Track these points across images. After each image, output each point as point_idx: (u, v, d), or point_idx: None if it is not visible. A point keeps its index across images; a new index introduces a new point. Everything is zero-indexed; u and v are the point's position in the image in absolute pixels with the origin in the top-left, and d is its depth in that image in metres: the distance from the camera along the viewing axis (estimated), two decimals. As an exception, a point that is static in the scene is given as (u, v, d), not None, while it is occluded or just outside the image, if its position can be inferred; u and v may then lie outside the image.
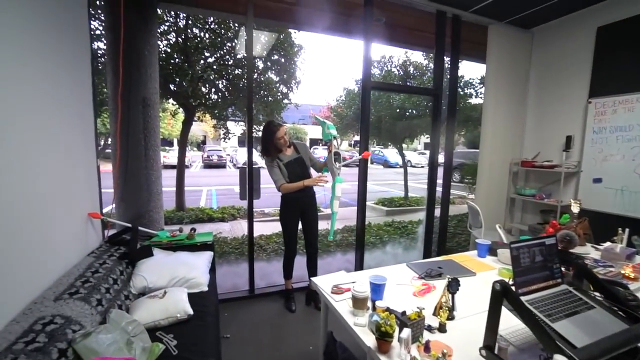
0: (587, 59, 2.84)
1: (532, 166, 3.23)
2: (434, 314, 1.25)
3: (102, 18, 3.93)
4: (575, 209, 2.14)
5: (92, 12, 2.06)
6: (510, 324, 1.13)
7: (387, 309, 1.18)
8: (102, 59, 4.23)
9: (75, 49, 1.79)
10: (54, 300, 1.32)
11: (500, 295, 0.93)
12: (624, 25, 2.59)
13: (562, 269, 1.20)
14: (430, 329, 1.15)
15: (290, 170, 2.37)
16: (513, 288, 1.02)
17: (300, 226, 2.55)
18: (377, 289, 1.30)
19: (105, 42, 2.98)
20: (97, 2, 3.41)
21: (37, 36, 1.42)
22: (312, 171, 2.54)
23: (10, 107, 1.23)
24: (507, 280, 1.42)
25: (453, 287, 1.25)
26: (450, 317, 1.23)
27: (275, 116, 6.02)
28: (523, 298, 1.01)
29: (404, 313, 1.14)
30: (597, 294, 1.16)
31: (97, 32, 4.16)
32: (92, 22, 2.07)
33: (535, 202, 3.24)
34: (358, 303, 1.23)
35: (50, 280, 1.46)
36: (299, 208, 2.47)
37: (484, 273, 1.70)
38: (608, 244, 1.92)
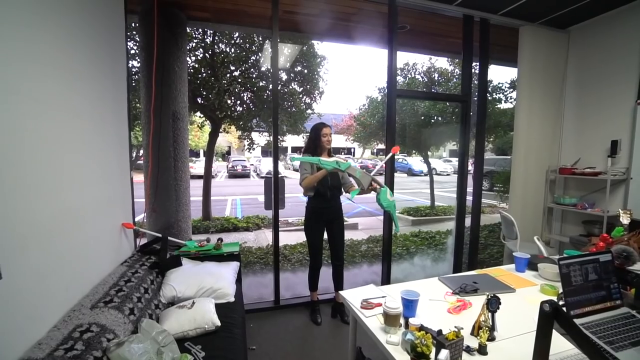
0: (635, 57, 2.63)
1: (571, 173, 3.02)
2: (472, 334, 1.17)
3: (137, 39, 4.19)
4: (625, 220, 1.95)
5: (128, 33, 2.18)
6: (561, 347, 1.03)
7: (421, 327, 1.12)
8: (136, 76, 4.49)
9: (113, 68, 1.90)
10: (91, 309, 1.37)
11: (551, 318, 0.84)
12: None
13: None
14: (469, 350, 1.07)
15: (324, 180, 2.34)
16: (563, 309, 0.92)
17: (325, 236, 2.51)
18: (409, 305, 1.23)
19: (139, 60, 3.16)
20: (133, 24, 3.63)
21: (80, 58, 1.52)
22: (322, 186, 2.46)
23: (53, 124, 1.31)
24: (554, 299, 1.31)
25: (493, 304, 1.16)
26: (491, 338, 1.14)
27: (298, 126, 6.08)
28: (577, 321, 0.91)
29: (439, 332, 1.07)
30: (662, 317, 1.03)
31: (132, 51, 4.44)
32: (127, 42, 2.20)
33: (576, 212, 3.01)
34: (390, 320, 1.17)
35: (87, 288, 1.52)
36: (324, 219, 2.44)
37: (524, 289, 1.58)
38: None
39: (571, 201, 3.04)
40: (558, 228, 3.35)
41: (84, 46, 1.55)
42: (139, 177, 2.84)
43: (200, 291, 1.88)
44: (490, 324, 1.16)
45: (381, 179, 2.02)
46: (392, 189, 2.81)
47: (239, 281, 2.26)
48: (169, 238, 2.19)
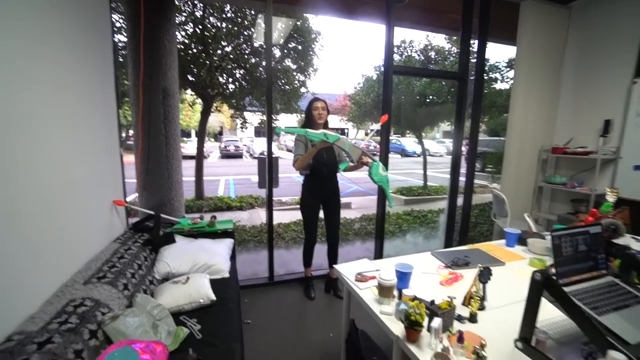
0: (634, 35, 2.59)
1: (563, 153, 3.05)
2: (463, 304, 1.20)
3: (122, 10, 3.98)
4: (610, 198, 2.00)
5: (112, 5, 2.06)
6: (547, 315, 1.07)
7: (415, 298, 1.14)
8: (123, 52, 4.29)
9: (98, 41, 1.80)
10: (84, 284, 1.36)
11: (541, 286, 0.87)
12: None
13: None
14: (460, 319, 1.11)
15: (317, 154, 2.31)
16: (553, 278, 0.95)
17: (320, 214, 2.51)
18: (403, 277, 1.26)
19: (125, 33, 3.01)
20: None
21: (63, 32, 1.43)
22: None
23: (40, 100, 1.25)
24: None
25: (484, 276, 1.19)
26: (481, 307, 1.18)
27: (292, 105, 5.97)
28: (566, 289, 0.94)
29: (432, 302, 1.10)
30: (645, 286, 1.07)
31: (117, 24, 4.22)
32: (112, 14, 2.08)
33: (565, 190, 3.06)
34: (384, 291, 1.20)
35: (79, 264, 1.51)
36: (320, 197, 2.43)
37: (513, 263, 1.63)
38: (652, 234, 1.78)
39: (561, 180, 3.09)
40: (547, 207, 3.42)
41: (68, 17, 1.45)
42: (130, 158, 2.77)
43: (195, 267, 1.89)
44: (482, 294, 1.19)
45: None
46: (386, 169, 2.81)
47: (233, 258, 2.27)
48: (162, 215, 2.18)
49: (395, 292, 1.24)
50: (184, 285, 1.65)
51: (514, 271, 1.52)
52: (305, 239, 2.53)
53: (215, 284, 1.80)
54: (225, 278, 1.95)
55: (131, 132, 5.92)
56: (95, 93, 1.75)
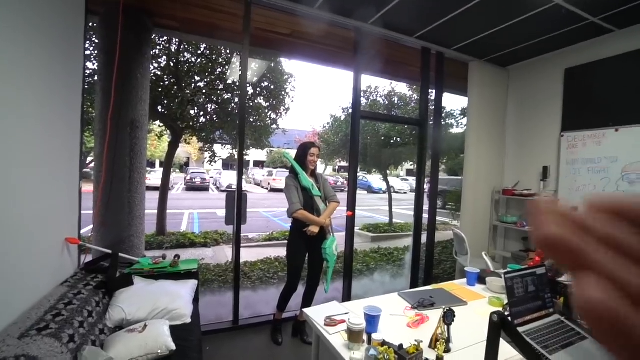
0: (558, 96, 3.07)
1: (512, 194, 3.36)
2: (430, 347, 1.23)
3: (94, 40, 3.94)
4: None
5: (86, 34, 2.06)
6: (508, 354, 1.12)
7: (384, 342, 1.15)
8: (90, 79, 4.19)
9: (68, 69, 1.78)
10: (19, 338, 1.19)
11: (498, 328, 0.93)
12: (588, 68, 2.84)
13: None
14: (427, 363, 1.12)
15: (304, 197, 2.32)
16: (509, 319, 1.02)
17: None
18: (372, 321, 1.27)
19: (95, 63, 2.96)
20: (92, 24, 3.42)
21: (32, 54, 1.41)
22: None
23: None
24: (501, 310, 1.43)
25: (449, 317, 1.23)
26: (447, 350, 1.21)
27: (263, 141, 6.05)
28: (519, 329, 1.01)
29: (401, 346, 1.11)
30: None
31: (87, 52, 4.15)
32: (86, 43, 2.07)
33: (516, 229, 3.33)
34: (354, 336, 1.20)
35: (16, 313, 1.34)
36: (309, 240, 2.36)
37: (475, 302, 1.70)
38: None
39: (512, 220, 3.37)
40: (502, 244, 3.67)
41: (37, 41, 1.44)
42: (87, 187, 2.61)
43: (154, 312, 1.75)
44: (447, 336, 1.23)
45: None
46: (354, 206, 2.91)
47: (196, 301, 2.14)
48: (120, 254, 2.03)
49: (365, 337, 1.24)
50: (141, 334, 1.52)
51: (476, 311, 1.59)
52: (288, 283, 2.43)
53: (175, 330, 1.67)
54: (187, 324, 1.82)
55: (90, 158, 5.58)
56: (58, 120, 1.69)
